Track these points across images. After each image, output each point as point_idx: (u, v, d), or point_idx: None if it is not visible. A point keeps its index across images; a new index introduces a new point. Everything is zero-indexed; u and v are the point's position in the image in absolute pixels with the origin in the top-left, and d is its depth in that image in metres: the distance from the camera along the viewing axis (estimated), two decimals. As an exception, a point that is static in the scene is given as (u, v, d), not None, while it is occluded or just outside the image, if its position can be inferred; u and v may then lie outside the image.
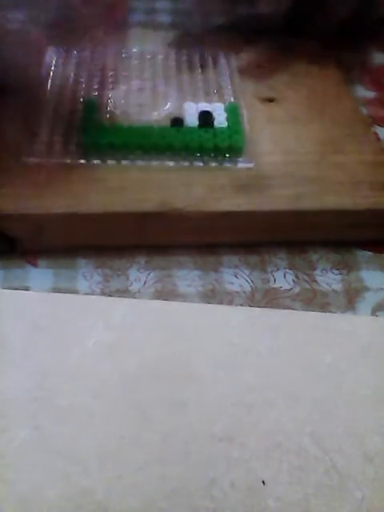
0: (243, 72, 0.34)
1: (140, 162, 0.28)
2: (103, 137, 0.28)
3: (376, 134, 0.34)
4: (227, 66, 0.34)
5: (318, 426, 0.21)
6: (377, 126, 0.35)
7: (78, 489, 0.19)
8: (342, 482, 0.20)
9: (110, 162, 0.28)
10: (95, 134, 0.28)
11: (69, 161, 0.27)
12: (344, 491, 0.19)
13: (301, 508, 0.19)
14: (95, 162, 0.28)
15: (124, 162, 0.28)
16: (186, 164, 0.28)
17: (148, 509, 0.19)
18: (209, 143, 0.28)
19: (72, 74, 0.32)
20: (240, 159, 0.28)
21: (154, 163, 0.28)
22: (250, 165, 0.28)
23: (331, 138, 0.30)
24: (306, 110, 0.32)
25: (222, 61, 0.35)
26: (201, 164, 0.28)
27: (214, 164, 0.28)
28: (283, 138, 0.30)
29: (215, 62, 0.35)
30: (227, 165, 0.28)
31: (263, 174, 0.28)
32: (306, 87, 0.34)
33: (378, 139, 0.33)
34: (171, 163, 0.28)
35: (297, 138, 0.30)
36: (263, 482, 0.19)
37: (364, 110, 0.36)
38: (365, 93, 0.38)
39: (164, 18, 0.43)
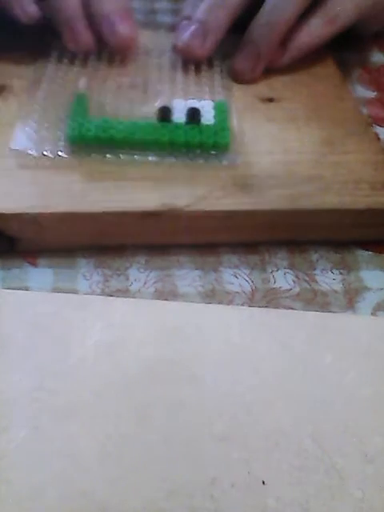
0: (235, 73, 0.35)
1: (125, 157, 0.28)
2: (89, 130, 0.28)
3: (376, 133, 0.34)
4: (221, 66, 0.35)
5: (318, 426, 0.21)
6: (377, 126, 0.35)
7: (78, 489, 0.19)
8: (342, 482, 0.20)
9: (94, 155, 0.28)
10: (80, 128, 0.28)
11: (54, 155, 0.27)
12: (344, 491, 0.19)
13: (301, 508, 0.19)
14: (82, 155, 0.28)
15: (108, 157, 0.28)
16: (173, 160, 0.28)
17: (148, 509, 0.19)
18: (194, 139, 0.28)
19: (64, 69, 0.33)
20: (226, 156, 0.28)
21: (141, 159, 0.28)
22: (237, 162, 0.28)
23: (331, 138, 0.30)
24: (305, 110, 0.32)
25: (216, 61, 0.35)
26: (189, 161, 0.28)
27: (201, 161, 0.28)
28: (283, 137, 0.30)
29: (210, 61, 0.35)
30: (216, 162, 0.28)
31: (263, 173, 0.28)
32: (305, 87, 0.34)
33: (378, 139, 0.33)
34: (155, 158, 0.28)
35: (297, 138, 0.30)
36: (263, 482, 0.19)
37: (364, 110, 0.36)
38: (365, 93, 0.38)
39: (164, 18, 0.43)
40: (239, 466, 0.20)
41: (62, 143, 0.28)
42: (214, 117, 0.30)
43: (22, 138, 0.28)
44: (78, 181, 0.27)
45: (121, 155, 0.28)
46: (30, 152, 0.27)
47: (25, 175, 0.27)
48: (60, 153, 0.28)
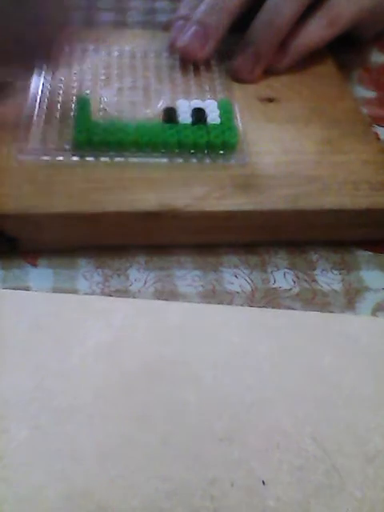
0: (235, 73, 0.35)
1: (133, 159, 0.28)
2: (97, 134, 0.28)
3: (376, 133, 0.34)
4: (220, 65, 0.35)
5: (318, 425, 0.21)
6: (377, 126, 0.35)
7: (78, 489, 0.19)
8: (341, 482, 0.20)
9: (103, 159, 0.28)
10: (88, 131, 0.28)
11: (62, 158, 0.27)
12: (344, 491, 0.19)
13: (301, 508, 0.19)
14: (89, 159, 0.28)
15: (118, 160, 0.28)
16: (180, 161, 0.28)
17: (148, 509, 0.19)
18: (202, 140, 0.28)
19: (64, 73, 0.33)
20: (234, 156, 0.28)
21: (148, 160, 0.28)
22: (245, 161, 0.28)
23: (331, 138, 0.30)
24: (305, 110, 0.32)
25: (215, 61, 0.35)
26: (195, 161, 0.28)
27: (208, 161, 0.28)
28: (283, 137, 0.30)
29: (209, 61, 0.35)
30: (221, 162, 0.28)
31: (263, 173, 0.28)
32: (305, 87, 0.34)
33: (378, 139, 0.33)
34: (165, 160, 0.28)
35: (297, 138, 0.30)
36: (263, 482, 0.19)
37: (364, 110, 0.36)
38: (365, 93, 0.38)
39: (164, 18, 0.43)
40: (239, 466, 0.20)
41: (67, 146, 0.28)
42: (220, 116, 0.30)
43: (27, 142, 0.28)
44: (79, 181, 0.27)
45: (124, 157, 0.28)
46: (36, 157, 0.27)
47: (25, 175, 0.27)
48: (65, 156, 0.28)
